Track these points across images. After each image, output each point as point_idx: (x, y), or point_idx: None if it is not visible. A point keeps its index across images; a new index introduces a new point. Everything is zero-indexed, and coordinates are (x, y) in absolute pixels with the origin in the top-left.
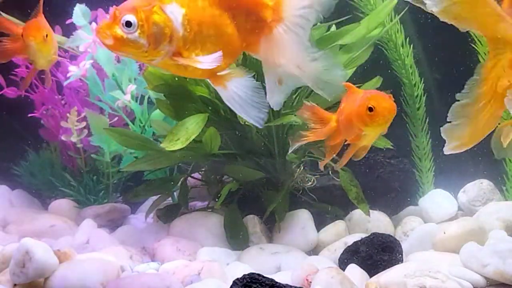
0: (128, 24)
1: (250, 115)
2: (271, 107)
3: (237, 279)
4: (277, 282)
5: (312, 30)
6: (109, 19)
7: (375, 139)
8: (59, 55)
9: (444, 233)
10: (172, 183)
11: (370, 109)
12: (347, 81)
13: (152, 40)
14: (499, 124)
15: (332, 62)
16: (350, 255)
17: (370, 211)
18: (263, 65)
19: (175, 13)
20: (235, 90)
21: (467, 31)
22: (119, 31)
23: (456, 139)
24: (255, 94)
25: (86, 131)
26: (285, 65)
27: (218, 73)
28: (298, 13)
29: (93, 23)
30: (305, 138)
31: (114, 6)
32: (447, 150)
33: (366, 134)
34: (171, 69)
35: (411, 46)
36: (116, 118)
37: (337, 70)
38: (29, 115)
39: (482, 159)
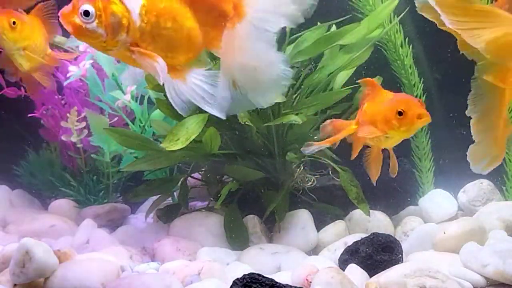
0: (86, 13)
1: (214, 106)
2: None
3: (237, 279)
4: (277, 282)
5: (311, 31)
6: (69, 8)
7: (397, 143)
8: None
9: (444, 233)
10: (172, 183)
11: (400, 113)
12: (346, 83)
13: (109, 30)
14: None
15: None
16: (350, 255)
17: (370, 211)
18: (221, 62)
19: (133, 4)
20: (195, 82)
21: None
22: (78, 20)
23: (483, 158)
24: (216, 83)
25: (86, 131)
26: (243, 64)
27: (179, 64)
28: (262, 11)
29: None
30: (324, 142)
31: None
32: (482, 170)
33: (390, 137)
34: (129, 61)
35: (411, 46)
36: (116, 118)
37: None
38: (29, 115)
39: None
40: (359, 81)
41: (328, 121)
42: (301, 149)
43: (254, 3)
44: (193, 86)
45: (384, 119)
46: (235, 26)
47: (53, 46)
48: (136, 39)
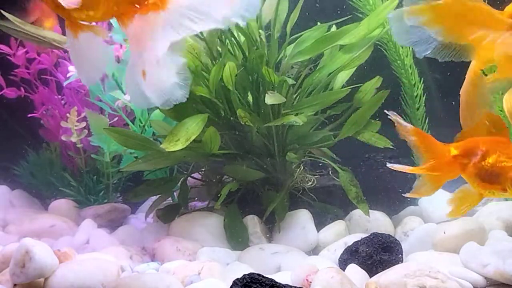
0: None
1: (84, 74)
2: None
3: (237, 279)
4: (277, 282)
5: (311, 31)
6: None
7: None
8: (59, 56)
9: (444, 233)
10: (172, 183)
11: None
12: (347, 82)
13: None
14: None
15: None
16: (350, 255)
17: (370, 211)
18: (129, 44)
19: None
20: (83, 44)
21: None
22: None
23: None
24: (100, 57)
25: (86, 131)
26: (146, 53)
27: (76, 19)
28: (187, 12)
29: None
30: (415, 169)
31: None
32: None
33: None
34: None
35: (411, 46)
36: (116, 118)
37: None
38: (29, 115)
39: None
40: (486, 117)
41: (412, 129)
42: (388, 165)
43: (182, 3)
44: (80, 46)
45: None
46: (148, 13)
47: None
48: None
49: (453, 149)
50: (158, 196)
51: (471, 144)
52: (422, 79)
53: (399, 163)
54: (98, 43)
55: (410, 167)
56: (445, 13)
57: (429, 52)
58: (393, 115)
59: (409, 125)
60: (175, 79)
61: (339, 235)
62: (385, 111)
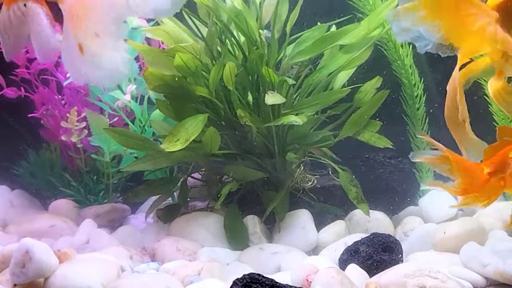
0: None
1: (7, 46)
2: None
3: (237, 279)
4: (277, 282)
5: (311, 31)
6: None
7: None
8: (59, 57)
9: (444, 233)
10: (172, 183)
11: None
12: (347, 82)
13: None
14: None
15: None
16: (350, 255)
17: (370, 211)
18: (64, 19)
19: None
20: (11, 15)
21: None
22: None
23: None
24: (37, 28)
25: (86, 131)
26: (84, 28)
27: None
28: None
29: None
30: (452, 190)
31: None
32: None
33: None
34: None
35: (411, 46)
36: (116, 118)
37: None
38: (29, 115)
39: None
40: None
41: (439, 153)
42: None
43: None
44: (7, 18)
45: None
46: None
47: None
48: None
49: (486, 168)
50: (158, 196)
51: (499, 157)
52: (422, 79)
53: (400, 163)
54: (36, 15)
55: (452, 188)
56: (440, 7)
57: (430, 47)
58: (427, 138)
59: (446, 150)
60: (115, 55)
61: (339, 235)
62: (417, 134)
